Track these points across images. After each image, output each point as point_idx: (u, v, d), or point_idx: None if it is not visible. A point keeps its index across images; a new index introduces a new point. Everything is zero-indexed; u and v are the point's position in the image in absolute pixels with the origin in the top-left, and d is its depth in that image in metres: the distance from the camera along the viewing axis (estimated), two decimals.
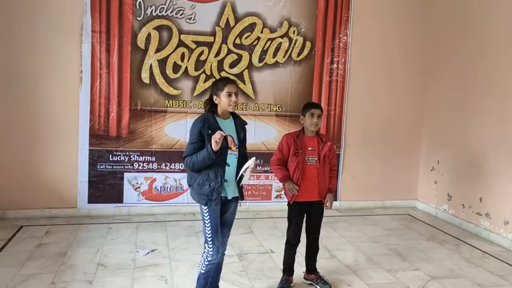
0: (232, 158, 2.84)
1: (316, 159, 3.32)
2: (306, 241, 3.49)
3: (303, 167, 3.28)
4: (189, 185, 2.89)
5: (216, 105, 2.87)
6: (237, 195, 2.93)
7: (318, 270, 3.54)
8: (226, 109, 2.84)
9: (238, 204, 3.00)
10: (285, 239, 3.48)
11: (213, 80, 5.20)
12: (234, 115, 2.96)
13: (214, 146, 2.63)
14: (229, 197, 2.88)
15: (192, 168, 2.78)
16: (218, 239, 2.86)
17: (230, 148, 2.80)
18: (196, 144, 2.76)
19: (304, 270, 3.57)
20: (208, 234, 2.83)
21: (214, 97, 2.85)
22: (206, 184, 2.77)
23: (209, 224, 2.82)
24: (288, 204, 3.39)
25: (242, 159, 2.88)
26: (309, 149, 3.32)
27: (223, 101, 2.80)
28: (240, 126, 2.93)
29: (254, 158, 2.80)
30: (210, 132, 2.72)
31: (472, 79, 5.10)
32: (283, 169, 3.33)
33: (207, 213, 2.81)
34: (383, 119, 5.85)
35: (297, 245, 3.43)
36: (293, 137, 3.33)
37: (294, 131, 3.45)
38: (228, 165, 2.80)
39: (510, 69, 4.57)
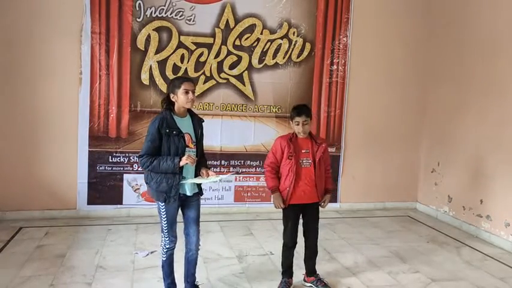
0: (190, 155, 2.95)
1: (310, 161, 3.31)
2: (304, 244, 3.48)
3: (297, 170, 3.27)
4: (146, 183, 2.97)
5: (173, 104, 2.94)
6: (197, 191, 3.05)
7: (317, 272, 3.53)
8: (184, 106, 2.93)
9: (201, 199, 3.13)
10: None
11: (213, 81, 5.24)
12: (191, 113, 3.06)
13: (183, 163, 2.80)
14: (189, 194, 2.98)
15: (151, 170, 2.87)
16: (174, 229, 3.01)
17: (188, 146, 2.91)
18: (155, 143, 2.86)
19: (304, 273, 3.56)
20: (165, 227, 2.98)
21: (172, 95, 2.92)
22: (164, 181, 2.86)
23: (166, 219, 2.96)
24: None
25: (200, 155, 3.04)
26: (302, 151, 3.31)
27: (180, 98, 2.89)
28: (198, 123, 3.04)
29: (231, 175, 2.91)
30: (167, 131, 2.83)
31: (472, 81, 5.09)
32: (274, 178, 3.33)
33: (164, 210, 2.95)
34: (383, 120, 5.84)
35: (294, 247, 3.42)
36: (287, 140, 3.31)
37: (288, 134, 3.43)
38: (186, 163, 2.87)
39: (510, 70, 4.56)
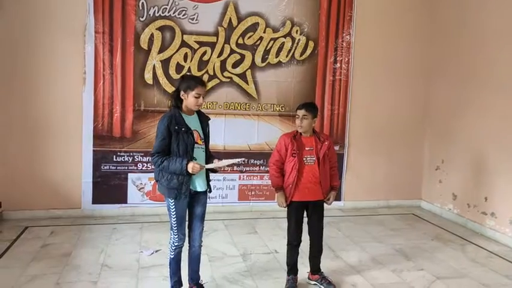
0: (199, 151, 3.00)
1: (314, 159, 3.32)
2: (309, 242, 3.48)
3: (300, 167, 3.28)
4: (157, 180, 3.00)
5: (181, 101, 2.97)
6: (206, 188, 3.08)
7: (322, 270, 3.53)
8: (192, 108, 2.99)
9: (208, 197, 3.16)
10: None
11: (216, 80, 5.25)
12: (198, 111, 3.11)
13: (191, 170, 2.80)
14: (199, 190, 3.02)
15: (161, 169, 2.91)
16: (183, 227, 3.05)
17: (197, 143, 2.96)
18: (165, 141, 2.89)
19: (309, 271, 3.56)
20: (174, 225, 3.01)
21: (182, 92, 2.94)
22: (174, 178, 2.89)
23: (175, 216, 2.99)
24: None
25: (208, 152, 3.10)
26: (306, 149, 3.32)
27: (190, 100, 2.93)
28: (205, 121, 3.10)
29: (237, 160, 3.06)
30: (177, 128, 2.86)
31: (475, 77, 5.07)
32: (278, 176, 3.35)
33: (174, 206, 2.97)
34: (387, 118, 5.82)
35: (299, 245, 3.42)
36: (290, 137, 3.33)
37: (291, 131, 3.45)
38: (195, 159, 2.92)
39: None
